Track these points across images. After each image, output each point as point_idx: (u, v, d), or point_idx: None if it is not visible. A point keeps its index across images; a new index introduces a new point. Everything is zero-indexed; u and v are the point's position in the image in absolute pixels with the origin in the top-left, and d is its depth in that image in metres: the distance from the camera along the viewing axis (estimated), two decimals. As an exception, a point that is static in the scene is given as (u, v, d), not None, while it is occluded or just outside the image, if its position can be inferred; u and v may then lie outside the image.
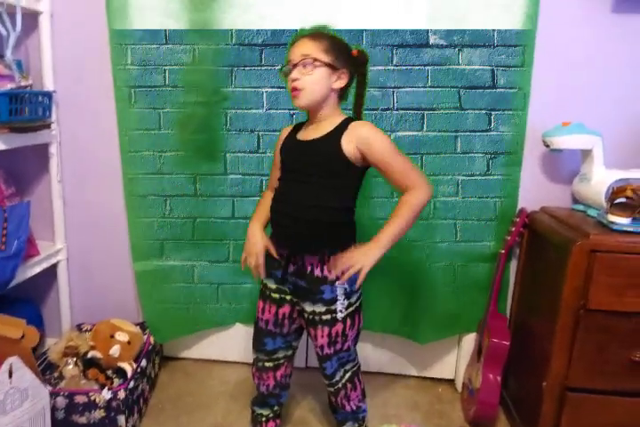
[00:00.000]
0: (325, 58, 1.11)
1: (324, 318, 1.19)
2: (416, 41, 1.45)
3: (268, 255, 1.24)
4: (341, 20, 1.42)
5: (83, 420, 1.35)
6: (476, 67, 1.45)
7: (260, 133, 1.54)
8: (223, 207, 1.60)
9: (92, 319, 1.71)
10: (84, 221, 1.70)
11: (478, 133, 1.49)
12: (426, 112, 1.49)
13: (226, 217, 1.61)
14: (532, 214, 1.48)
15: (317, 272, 1.18)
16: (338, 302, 1.18)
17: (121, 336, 1.53)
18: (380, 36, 1.46)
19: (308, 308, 1.20)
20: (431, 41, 1.44)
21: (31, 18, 1.51)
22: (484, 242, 1.54)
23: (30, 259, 1.54)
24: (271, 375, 1.33)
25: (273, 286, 1.25)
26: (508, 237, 1.46)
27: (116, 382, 1.48)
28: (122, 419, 1.36)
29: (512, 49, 1.43)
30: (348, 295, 1.19)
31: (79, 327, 1.71)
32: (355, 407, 1.33)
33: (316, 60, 1.11)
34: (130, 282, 1.71)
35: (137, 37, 1.50)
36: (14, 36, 1.41)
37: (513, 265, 1.56)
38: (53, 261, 1.67)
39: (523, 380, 1.46)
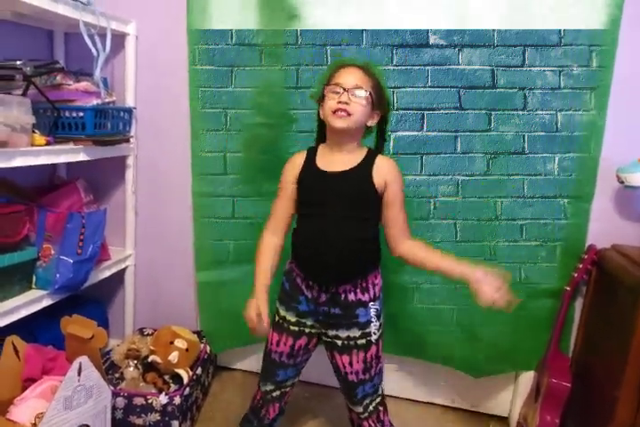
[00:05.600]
0: (373, 95, 1.14)
1: (360, 342, 1.19)
2: (416, 41, 1.46)
3: (289, 289, 1.23)
4: (406, 19, 1.46)
5: (139, 421, 1.42)
6: (540, 68, 1.43)
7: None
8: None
9: (153, 324, 1.79)
10: (153, 231, 1.79)
11: (478, 133, 1.48)
12: (426, 112, 1.49)
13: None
14: (601, 252, 1.41)
15: (352, 297, 1.19)
16: (372, 325, 1.20)
17: (180, 343, 1.58)
18: (380, 35, 1.47)
19: (343, 334, 1.20)
20: (431, 41, 1.45)
21: (118, 39, 1.62)
22: (548, 278, 1.49)
23: (102, 263, 1.63)
24: (278, 406, 1.31)
25: (293, 319, 1.23)
26: (575, 274, 1.41)
27: (172, 387, 1.54)
28: (175, 424, 1.42)
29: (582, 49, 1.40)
30: (378, 316, 1.21)
31: (141, 331, 1.79)
32: None
33: (370, 95, 1.13)
34: (191, 291, 1.78)
35: (215, 61, 1.57)
36: (103, 56, 1.51)
37: (578, 303, 1.50)
38: (122, 266, 1.76)
39: (584, 425, 1.39)
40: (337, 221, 1.15)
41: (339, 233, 1.15)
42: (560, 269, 1.48)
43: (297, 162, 1.22)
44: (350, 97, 1.11)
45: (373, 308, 1.20)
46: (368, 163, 1.16)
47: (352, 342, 1.20)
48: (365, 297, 1.19)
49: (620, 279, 1.26)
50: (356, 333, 1.19)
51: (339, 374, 1.25)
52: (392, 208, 1.17)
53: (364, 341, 1.20)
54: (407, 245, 1.19)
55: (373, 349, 1.21)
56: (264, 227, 1.25)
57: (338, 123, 1.12)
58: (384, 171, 1.16)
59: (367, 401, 1.25)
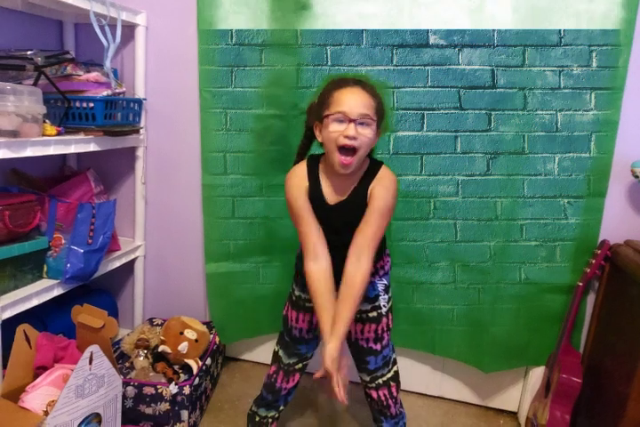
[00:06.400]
0: (377, 118, 1.07)
1: (371, 315, 1.24)
2: (416, 41, 1.45)
3: (301, 272, 1.22)
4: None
5: (149, 411, 1.43)
6: (540, 68, 1.41)
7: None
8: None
9: (162, 314, 1.80)
10: (163, 222, 1.79)
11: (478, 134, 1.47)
12: (426, 112, 1.48)
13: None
14: (614, 247, 1.39)
15: None
16: (380, 298, 1.24)
17: (190, 334, 1.59)
18: (380, 36, 1.45)
19: None
20: (431, 41, 1.44)
21: (129, 30, 1.62)
22: (560, 273, 1.48)
23: (112, 253, 1.64)
24: (297, 376, 1.35)
25: (307, 296, 1.24)
26: (588, 270, 1.39)
27: (182, 377, 1.55)
28: (185, 414, 1.43)
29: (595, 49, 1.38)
30: (387, 290, 1.26)
31: (151, 321, 1.79)
32: (398, 411, 1.32)
33: (375, 121, 1.06)
34: (201, 282, 1.78)
35: (225, 56, 1.56)
36: (114, 46, 1.50)
37: (590, 299, 1.48)
38: (132, 256, 1.77)
39: (595, 421, 1.38)
40: (342, 244, 1.13)
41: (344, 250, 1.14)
42: (569, 267, 1.47)
43: (301, 183, 1.15)
44: (357, 129, 1.03)
45: (380, 283, 1.24)
46: (366, 183, 1.12)
47: (364, 316, 1.24)
48: (374, 278, 1.23)
49: (634, 276, 1.24)
50: (366, 307, 1.24)
51: (349, 341, 1.28)
52: (367, 216, 1.11)
53: (374, 313, 1.24)
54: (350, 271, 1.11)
55: (384, 320, 1.25)
56: (304, 256, 1.16)
57: (344, 169, 1.07)
58: (377, 183, 1.12)
59: (377, 374, 1.28)
